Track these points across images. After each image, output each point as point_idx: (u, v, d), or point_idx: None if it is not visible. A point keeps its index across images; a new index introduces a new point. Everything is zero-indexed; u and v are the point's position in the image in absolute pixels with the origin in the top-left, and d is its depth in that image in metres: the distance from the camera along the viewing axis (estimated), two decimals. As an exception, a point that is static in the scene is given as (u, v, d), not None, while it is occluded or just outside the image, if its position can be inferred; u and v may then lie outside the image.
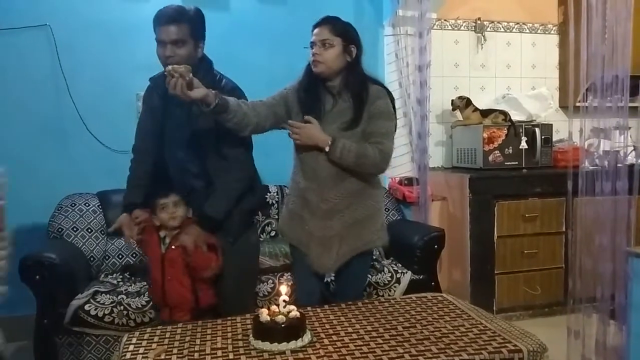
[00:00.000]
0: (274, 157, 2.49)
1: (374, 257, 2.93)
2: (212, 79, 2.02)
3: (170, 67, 1.74)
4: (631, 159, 2.80)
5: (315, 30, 1.97)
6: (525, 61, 3.80)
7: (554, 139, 3.43)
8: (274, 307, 1.66)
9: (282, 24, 3.25)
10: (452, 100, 3.48)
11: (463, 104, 3.43)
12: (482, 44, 3.67)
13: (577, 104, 2.46)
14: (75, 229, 2.74)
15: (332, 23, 1.98)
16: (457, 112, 3.50)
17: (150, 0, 3.08)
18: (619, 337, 2.19)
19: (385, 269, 2.77)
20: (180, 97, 1.75)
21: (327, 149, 1.90)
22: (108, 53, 3.02)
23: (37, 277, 2.28)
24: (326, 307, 1.99)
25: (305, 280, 2.10)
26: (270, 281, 2.60)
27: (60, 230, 2.73)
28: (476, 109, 3.41)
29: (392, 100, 2.04)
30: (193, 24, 1.99)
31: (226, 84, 2.07)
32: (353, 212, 1.99)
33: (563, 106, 3.77)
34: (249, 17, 3.24)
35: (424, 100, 3.20)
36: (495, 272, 3.18)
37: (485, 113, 3.41)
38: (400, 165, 3.45)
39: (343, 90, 1.97)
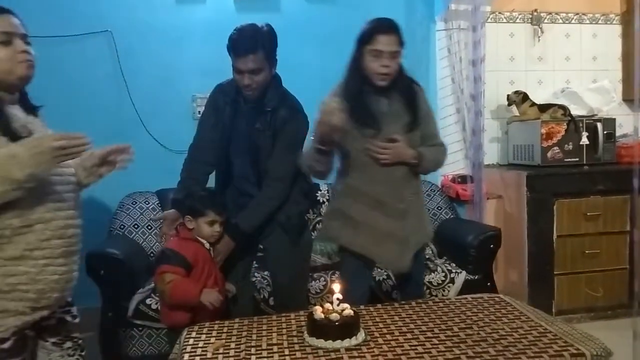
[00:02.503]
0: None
1: (427, 257, 2.89)
2: (280, 96, 2.10)
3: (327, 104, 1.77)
4: None
5: (383, 39, 1.89)
6: (585, 53, 3.63)
7: (617, 134, 3.27)
8: (327, 305, 1.67)
9: (333, 24, 3.25)
10: (508, 95, 3.38)
11: (519, 98, 3.33)
12: (539, 37, 3.54)
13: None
14: (136, 226, 2.86)
15: (398, 32, 1.93)
16: (513, 107, 3.40)
17: (205, 2, 3.17)
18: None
19: (439, 269, 2.73)
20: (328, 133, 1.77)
21: (416, 162, 1.96)
22: (165, 56, 3.13)
23: (102, 272, 2.40)
24: (379, 306, 1.98)
25: (358, 282, 2.06)
26: (322, 279, 2.62)
27: (122, 227, 2.85)
28: (533, 104, 3.30)
29: None
30: (268, 49, 2.02)
31: (292, 102, 2.14)
32: (415, 207, 2.04)
33: (627, 99, 3.59)
34: (300, 18, 3.27)
35: (478, 95, 3.13)
36: (555, 272, 3.07)
37: (543, 108, 3.29)
38: (453, 163, 3.38)
39: (392, 90, 1.97)
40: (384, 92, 1.96)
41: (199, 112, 3.13)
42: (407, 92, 1.99)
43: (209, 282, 1.98)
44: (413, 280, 2.13)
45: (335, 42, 3.24)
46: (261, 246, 2.26)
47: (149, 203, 2.96)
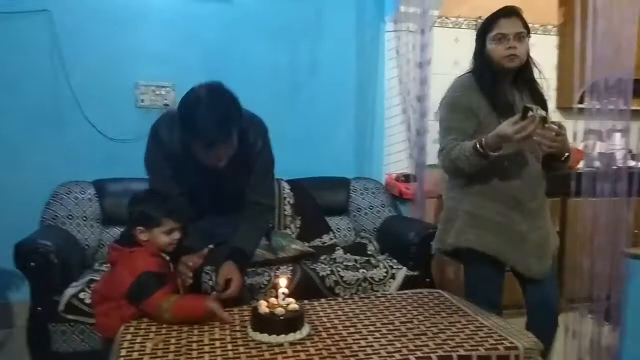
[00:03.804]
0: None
1: (369, 252, 2.94)
2: (244, 131, 1.84)
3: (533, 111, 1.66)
4: (627, 161, 2.82)
5: (505, 22, 1.85)
6: (524, 61, 3.80)
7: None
8: (272, 300, 1.66)
9: (284, 17, 3.24)
10: (451, 98, 3.48)
11: (462, 102, 3.43)
12: (482, 43, 3.67)
13: (573, 106, 2.48)
14: (70, 217, 2.73)
15: (521, 14, 1.89)
16: (456, 110, 3.50)
17: (153, -12, 3.06)
18: (612, 338, 2.22)
19: (381, 265, 2.78)
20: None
21: (567, 155, 1.83)
22: (108, 40, 3.00)
23: (32, 263, 2.27)
24: (323, 300, 1.99)
25: (490, 290, 1.96)
26: (266, 274, 2.60)
27: (55, 217, 2.71)
28: (474, 108, 3.41)
29: None
30: (238, 126, 1.77)
31: (257, 128, 1.94)
32: (546, 208, 1.93)
33: (560, 107, 3.78)
34: (252, 10, 3.22)
35: (423, 97, 3.20)
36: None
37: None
38: (397, 162, 3.46)
39: (521, 83, 1.89)
40: (515, 85, 1.88)
41: (142, 100, 3.04)
42: (532, 80, 1.90)
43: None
44: (550, 287, 1.97)
45: (286, 35, 3.24)
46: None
47: (84, 193, 2.83)
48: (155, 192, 1.88)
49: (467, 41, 3.63)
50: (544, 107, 1.85)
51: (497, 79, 1.86)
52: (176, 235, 1.81)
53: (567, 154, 1.80)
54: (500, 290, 1.99)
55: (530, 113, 1.65)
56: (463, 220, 1.91)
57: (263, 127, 1.94)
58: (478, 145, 1.74)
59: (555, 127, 1.70)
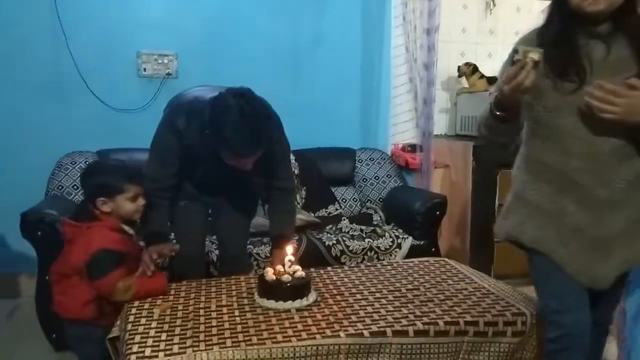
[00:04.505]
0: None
1: (375, 223, 2.94)
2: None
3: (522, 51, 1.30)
4: None
5: None
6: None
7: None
8: (279, 267, 1.66)
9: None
10: (459, 67, 3.42)
11: (469, 70, 3.38)
12: (490, 10, 3.59)
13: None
14: (75, 187, 2.71)
15: None
16: (463, 79, 3.45)
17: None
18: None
19: (387, 234, 2.77)
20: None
21: None
22: (109, 9, 2.92)
23: (39, 232, 2.27)
24: (329, 268, 2.00)
25: (554, 288, 1.49)
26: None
27: (60, 187, 2.70)
28: (483, 76, 3.36)
29: None
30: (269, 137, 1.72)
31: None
32: (634, 204, 1.40)
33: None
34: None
35: (431, 65, 3.15)
36: (495, 240, 3.19)
37: (492, 80, 3.36)
38: (403, 132, 3.43)
39: (617, 33, 1.37)
40: (605, 36, 1.37)
41: (145, 69, 2.99)
42: None
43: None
44: (600, 312, 1.51)
45: (290, 3, 3.16)
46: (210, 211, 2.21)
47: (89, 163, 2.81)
48: (111, 161, 1.81)
49: (475, 8, 3.59)
50: None
51: (569, 30, 1.39)
52: (141, 201, 1.74)
53: None
54: (575, 293, 1.45)
55: (516, 56, 1.30)
56: (508, 203, 1.57)
57: (277, 120, 1.88)
58: (492, 104, 1.42)
59: (610, 85, 1.27)
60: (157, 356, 1.33)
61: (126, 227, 1.76)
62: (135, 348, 1.37)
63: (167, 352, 1.34)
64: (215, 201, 2.10)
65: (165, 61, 3.00)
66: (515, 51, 1.32)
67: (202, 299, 1.67)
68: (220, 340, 1.39)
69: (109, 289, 1.66)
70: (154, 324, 1.50)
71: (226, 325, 1.48)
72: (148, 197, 1.78)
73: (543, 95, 1.39)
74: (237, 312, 1.56)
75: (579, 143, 1.38)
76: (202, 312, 1.57)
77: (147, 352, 1.35)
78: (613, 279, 1.42)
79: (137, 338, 1.42)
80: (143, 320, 1.52)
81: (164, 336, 1.42)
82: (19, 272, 2.83)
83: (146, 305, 1.61)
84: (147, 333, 1.44)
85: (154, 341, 1.40)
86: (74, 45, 2.88)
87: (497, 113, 1.40)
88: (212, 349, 1.35)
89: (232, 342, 1.38)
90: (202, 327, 1.47)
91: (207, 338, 1.41)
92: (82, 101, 2.94)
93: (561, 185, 1.42)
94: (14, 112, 2.85)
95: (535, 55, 1.28)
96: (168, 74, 3.00)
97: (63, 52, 2.87)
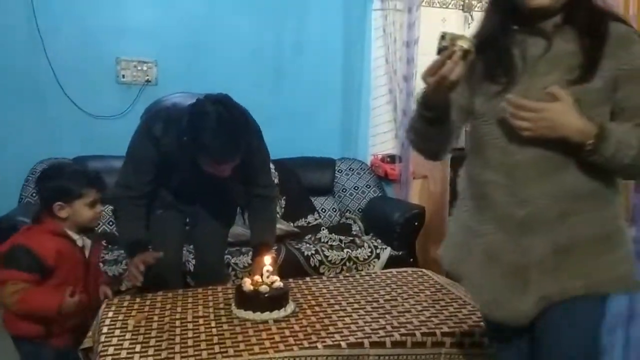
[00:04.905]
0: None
1: (354, 233, 2.94)
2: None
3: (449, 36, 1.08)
4: None
5: None
6: (510, 43, 3.79)
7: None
8: (257, 277, 1.65)
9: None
10: (437, 79, 3.46)
11: (448, 83, 3.42)
12: (469, 23, 3.65)
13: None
14: (50, 195, 2.67)
15: None
16: (442, 91, 3.49)
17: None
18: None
19: (365, 245, 2.78)
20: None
21: (589, 145, 1.06)
22: (88, 13, 2.90)
23: (11, 241, 2.22)
24: (308, 279, 1.99)
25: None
26: (251, 253, 2.59)
27: (34, 195, 2.64)
28: (461, 89, 3.41)
29: None
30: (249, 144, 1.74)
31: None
32: (571, 228, 1.14)
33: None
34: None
35: (410, 77, 3.18)
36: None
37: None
38: (383, 143, 3.45)
39: (563, 27, 1.16)
40: (550, 31, 1.15)
41: (123, 75, 2.96)
42: (594, 28, 1.13)
43: (77, 288, 1.62)
44: (553, 351, 1.17)
45: (271, 12, 3.17)
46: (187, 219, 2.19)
47: (65, 170, 2.76)
48: (69, 164, 1.76)
49: (454, 21, 3.64)
50: (595, 61, 1.11)
51: (504, 26, 1.20)
52: (99, 208, 1.68)
53: (590, 142, 1.06)
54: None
55: (442, 43, 1.07)
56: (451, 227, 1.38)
57: (257, 128, 1.89)
58: (418, 102, 1.21)
59: (520, 100, 1.09)
60: (131, 368, 1.30)
61: (76, 236, 1.65)
62: (108, 360, 1.34)
63: (142, 365, 1.32)
64: (192, 209, 2.08)
65: (145, 68, 2.98)
66: (442, 37, 1.08)
67: (178, 309, 1.65)
68: (197, 352, 1.37)
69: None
70: (128, 335, 1.47)
71: (202, 336, 1.47)
72: (121, 205, 1.75)
73: (479, 101, 1.21)
74: (213, 323, 1.54)
75: (496, 153, 1.18)
76: (177, 323, 1.55)
77: (121, 364, 1.32)
78: (531, 317, 1.16)
79: (111, 350, 1.39)
80: (117, 332, 1.49)
81: (138, 348, 1.40)
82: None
83: (120, 317, 1.59)
84: (121, 345, 1.42)
85: (127, 353, 1.38)
86: (51, 51, 2.84)
87: (424, 113, 1.18)
88: (187, 361, 1.33)
89: (209, 353, 1.37)
90: (177, 339, 1.45)
91: (182, 350, 1.39)
92: (59, 107, 2.89)
93: (479, 202, 1.23)
94: (-13, 115, 2.80)
95: (465, 43, 1.06)
96: (147, 80, 2.98)
97: (40, 57, 2.83)
